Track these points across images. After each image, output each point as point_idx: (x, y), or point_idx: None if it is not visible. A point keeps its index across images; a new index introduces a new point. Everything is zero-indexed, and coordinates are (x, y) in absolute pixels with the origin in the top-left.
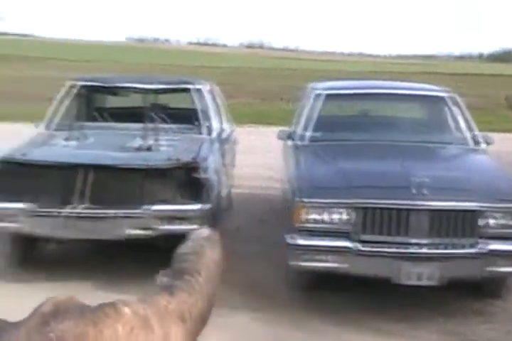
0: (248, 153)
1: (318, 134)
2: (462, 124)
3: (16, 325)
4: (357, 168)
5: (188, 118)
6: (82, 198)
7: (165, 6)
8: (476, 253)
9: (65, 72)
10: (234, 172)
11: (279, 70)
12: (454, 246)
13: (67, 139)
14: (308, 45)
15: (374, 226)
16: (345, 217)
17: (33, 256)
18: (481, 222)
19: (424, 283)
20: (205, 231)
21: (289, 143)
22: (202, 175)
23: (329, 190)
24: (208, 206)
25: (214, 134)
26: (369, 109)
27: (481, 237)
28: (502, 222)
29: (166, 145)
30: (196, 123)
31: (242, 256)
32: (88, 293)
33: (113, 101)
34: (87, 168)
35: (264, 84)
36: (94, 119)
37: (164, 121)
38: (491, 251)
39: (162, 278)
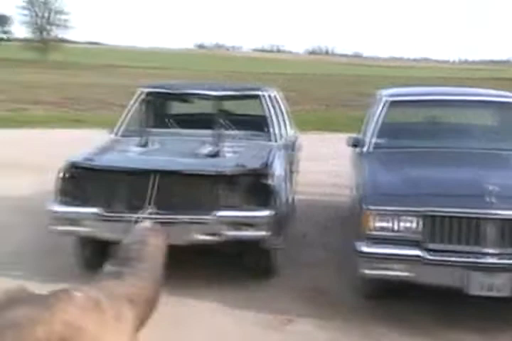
0: (313, 159)
1: (384, 141)
2: None
3: None
4: (426, 176)
5: (255, 124)
6: (152, 203)
7: (232, 13)
8: None
9: (134, 79)
10: (298, 179)
11: (344, 76)
12: None
13: (136, 145)
14: (372, 50)
15: (443, 234)
16: (413, 225)
17: (103, 260)
18: None
19: (495, 293)
20: (147, 223)
21: (357, 150)
22: (270, 182)
23: (398, 197)
24: (275, 212)
25: (281, 141)
26: (436, 115)
27: None
28: None
29: (235, 152)
30: (264, 129)
31: (307, 263)
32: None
33: (181, 108)
34: (156, 173)
35: (329, 91)
36: (163, 126)
37: (232, 128)
38: None
39: (110, 266)
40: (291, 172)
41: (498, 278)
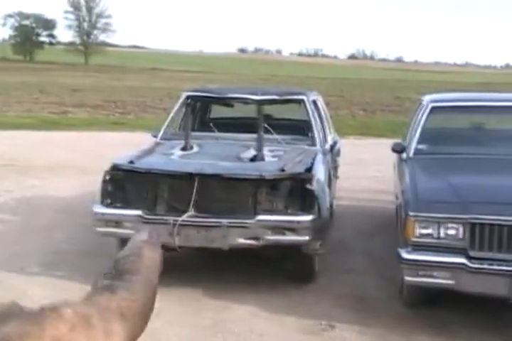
0: (354, 165)
1: (427, 147)
2: None
3: None
4: (470, 183)
5: (297, 129)
6: (193, 206)
7: (273, 17)
8: None
9: (176, 82)
10: (342, 185)
11: (385, 81)
12: None
13: (179, 148)
14: (413, 55)
15: (488, 242)
16: (457, 232)
17: None
18: None
19: None
20: (143, 234)
21: (401, 155)
22: (313, 187)
23: (442, 204)
24: (317, 217)
25: (324, 146)
26: (479, 121)
27: None
28: None
29: (277, 156)
30: (306, 134)
31: (348, 269)
32: (198, 300)
33: (224, 112)
34: (198, 176)
35: (370, 96)
36: (206, 129)
37: (274, 132)
38: None
39: (103, 279)
40: (333, 177)
41: None
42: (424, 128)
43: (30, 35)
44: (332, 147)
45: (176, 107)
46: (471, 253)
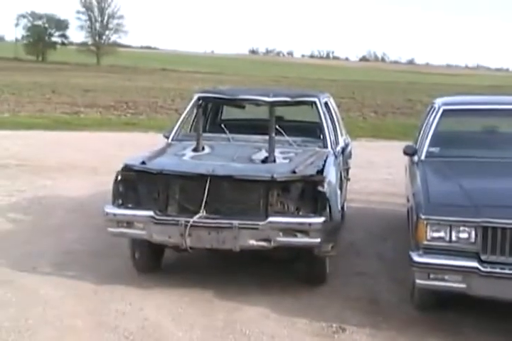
0: (366, 167)
1: (439, 150)
2: None
3: None
4: (482, 186)
5: (309, 130)
6: (206, 208)
7: (285, 19)
8: None
9: (187, 83)
10: (353, 187)
11: (396, 84)
12: None
13: (191, 149)
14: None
15: (500, 246)
16: (469, 236)
17: (159, 264)
18: None
19: None
20: None
21: (413, 158)
22: (325, 189)
23: (454, 207)
24: (329, 220)
25: (336, 148)
26: (491, 124)
27: None
28: None
29: (288, 158)
30: (318, 136)
31: (359, 271)
32: (210, 302)
33: (235, 113)
34: (209, 177)
35: (381, 98)
36: (217, 130)
37: (286, 134)
38: None
39: None
40: (344, 179)
41: None
42: (436, 131)
43: (42, 36)
44: (344, 149)
45: (188, 108)
46: (483, 257)
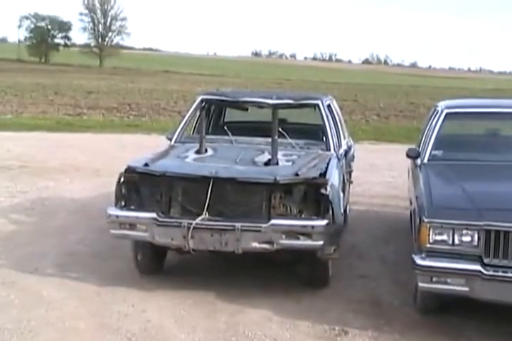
0: (369, 170)
1: (442, 153)
2: None
3: None
4: (485, 189)
5: (312, 133)
6: (208, 210)
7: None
8: None
9: (190, 85)
10: (356, 190)
11: (399, 87)
12: None
13: (194, 151)
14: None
15: (503, 250)
16: (472, 239)
17: (161, 266)
18: None
19: None
20: None
21: (416, 161)
22: (328, 192)
23: (457, 211)
24: (331, 222)
25: (339, 150)
26: (494, 128)
27: None
28: None
29: (291, 160)
30: (321, 138)
31: (362, 274)
32: (212, 304)
33: (238, 115)
34: (212, 180)
35: (384, 101)
36: (220, 133)
37: (289, 136)
38: None
39: None
40: (347, 182)
41: None
42: (439, 134)
43: (45, 37)
44: (346, 152)
45: (191, 110)
46: (486, 261)
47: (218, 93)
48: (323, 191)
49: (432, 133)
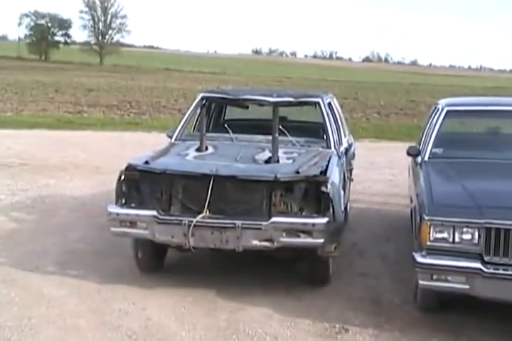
0: (369, 168)
1: (442, 151)
2: None
3: None
4: (485, 187)
5: (312, 131)
6: (209, 208)
7: (289, 19)
8: None
9: (190, 83)
10: (356, 188)
11: (399, 85)
12: None
13: (194, 149)
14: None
15: (503, 247)
16: (473, 237)
17: (161, 264)
18: None
19: None
20: None
21: (416, 159)
22: (328, 189)
23: (458, 208)
24: (332, 220)
25: (340, 148)
26: (495, 125)
27: None
28: None
29: (292, 158)
30: (322, 136)
31: (362, 272)
32: (213, 302)
33: (238, 113)
34: (212, 178)
35: (384, 99)
36: (221, 130)
37: (289, 134)
38: None
39: None
40: (347, 179)
41: None
42: (440, 132)
43: (45, 35)
44: (347, 150)
45: (191, 108)
46: (486, 258)
47: (219, 91)
48: (323, 189)
49: (433, 131)
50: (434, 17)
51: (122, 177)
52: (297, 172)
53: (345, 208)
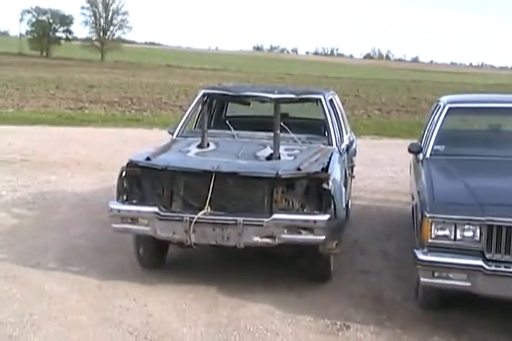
0: (370, 165)
1: (444, 148)
2: None
3: None
4: (487, 185)
5: (314, 128)
6: (210, 204)
7: (290, 16)
8: None
9: (191, 80)
10: (358, 185)
11: (401, 82)
12: None
13: (196, 146)
14: (429, 55)
15: (508, 245)
16: (474, 234)
17: (163, 260)
18: None
19: None
20: None
21: (417, 156)
22: (330, 186)
23: (460, 206)
24: (333, 217)
25: (341, 145)
26: (496, 123)
27: None
28: None
29: (293, 155)
30: (323, 133)
31: (363, 269)
32: (214, 298)
33: (240, 110)
34: (214, 174)
35: (386, 96)
36: (222, 127)
37: (291, 131)
38: None
39: None
40: (349, 176)
41: None
42: (441, 129)
43: (47, 31)
44: (348, 146)
45: (193, 104)
46: (488, 256)
47: (220, 87)
48: (325, 186)
49: (434, 128)
50: (435, 14)
51: (124, 174)
52: (298, 169)
53: (347, 205)
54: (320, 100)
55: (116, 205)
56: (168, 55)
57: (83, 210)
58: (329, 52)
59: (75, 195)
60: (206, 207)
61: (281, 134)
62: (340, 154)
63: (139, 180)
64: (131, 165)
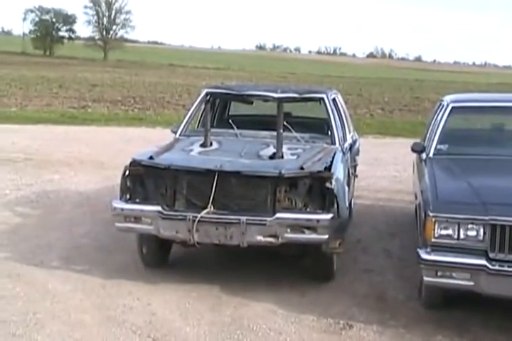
0: (373, 164)
1: (447, 147)
2: None
3: None
4: (490, 184)
5: (317, 127)
6: (213, 203)
7: (293, 15)
8: None
9: (194, 79)
10: (356, 183)
11: (404, 81)
12: None
13: (199, 145)
14: (432, 54)
15: (508, 244)
16: (478, 233)
17: (166, 259)
18: None
19: None
20: None
21: (421, 155)
22: (333, 185)
23: (463, 205)
24: (336, 216)
25: (344, 144)
26: (500, 122)
27: None
28: None
29: (296, 154)
30: (326, 132)
31: (366, 268)
32: (217, 297)
33: (243, 109)
34: (217, 173)
35: (388, 95)
36: (225, 126)
37: (294, 130)
38: None
39: None
40: (352, 175)
41: None
42: (445, 129)
43: (50, 30)
44: (351, 146)
45: (196, 104)
46: (491, 255)
47: (223, 86)
48: (328, 185)
49: (438, 128)
50: (438, 13)
51: (127, 173)
52: (301, 168)
53: (350, 204)
54: (323, 99)
55: (119, 204)
56: (170, 54)
57: (86, 209)
58: (332, 51)
59: (79, 194)
60: (209, 206)
61: (284, 133)
62: (343, 153)
63: (142, 179)
64: (134, 164)
